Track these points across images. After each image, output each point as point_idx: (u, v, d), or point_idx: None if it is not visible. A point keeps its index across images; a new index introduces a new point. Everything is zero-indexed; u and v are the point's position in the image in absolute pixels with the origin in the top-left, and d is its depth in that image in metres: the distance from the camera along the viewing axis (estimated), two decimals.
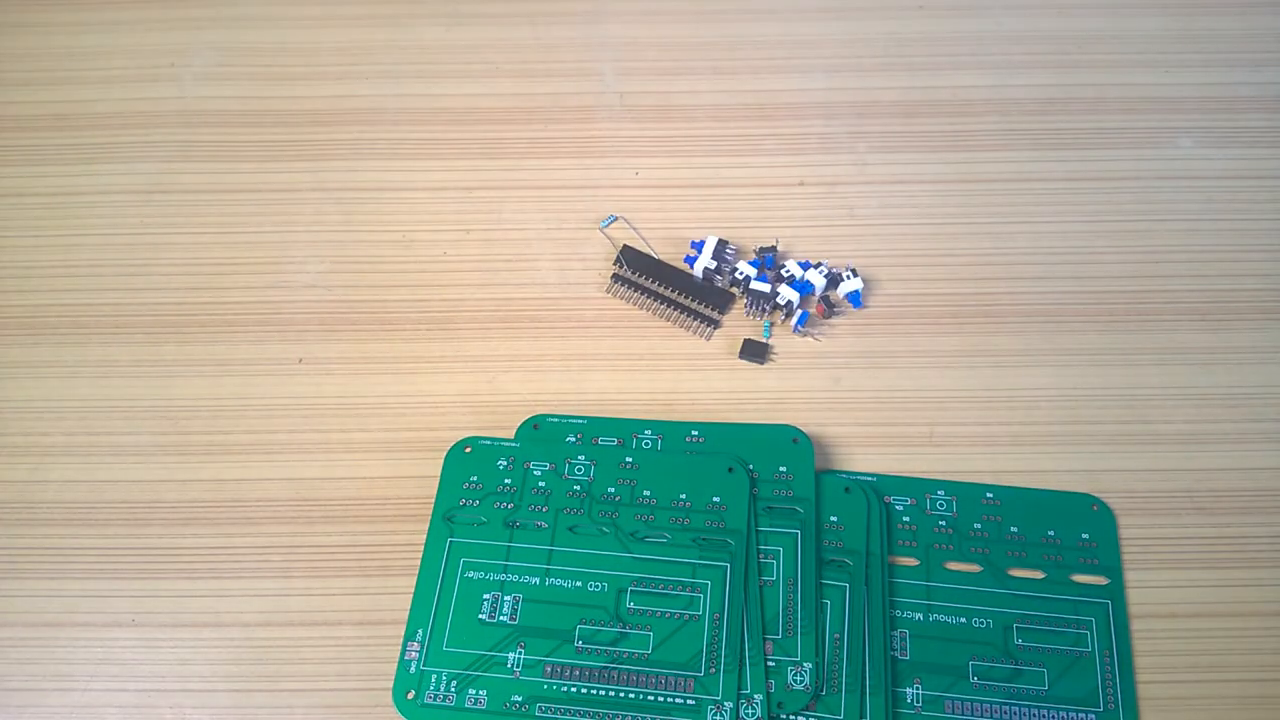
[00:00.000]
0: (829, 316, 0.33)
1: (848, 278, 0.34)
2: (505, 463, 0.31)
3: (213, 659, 0.30)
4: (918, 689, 0.28)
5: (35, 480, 0.32)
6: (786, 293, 0.34)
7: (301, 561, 0.31)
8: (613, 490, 0.31)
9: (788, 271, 0.34)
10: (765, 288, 0.34)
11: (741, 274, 0.34)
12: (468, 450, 0.32)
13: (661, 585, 0.29)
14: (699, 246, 0.35)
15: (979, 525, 0.31)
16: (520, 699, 0.28)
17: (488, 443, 0.32)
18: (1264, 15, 0.41)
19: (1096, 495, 0.31)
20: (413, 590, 0.30)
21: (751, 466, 0.31)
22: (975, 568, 0.30)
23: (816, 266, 0.35)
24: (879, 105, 0.39)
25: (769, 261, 0.35)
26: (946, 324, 0.34)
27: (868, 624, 0.29)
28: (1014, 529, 0.31)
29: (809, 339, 0.33)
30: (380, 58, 0.40)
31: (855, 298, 0.34)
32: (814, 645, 0.28)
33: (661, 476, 0.31)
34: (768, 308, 0.34)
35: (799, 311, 0.34)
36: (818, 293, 0.35)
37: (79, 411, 0.33)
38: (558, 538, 0.30)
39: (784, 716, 0.28)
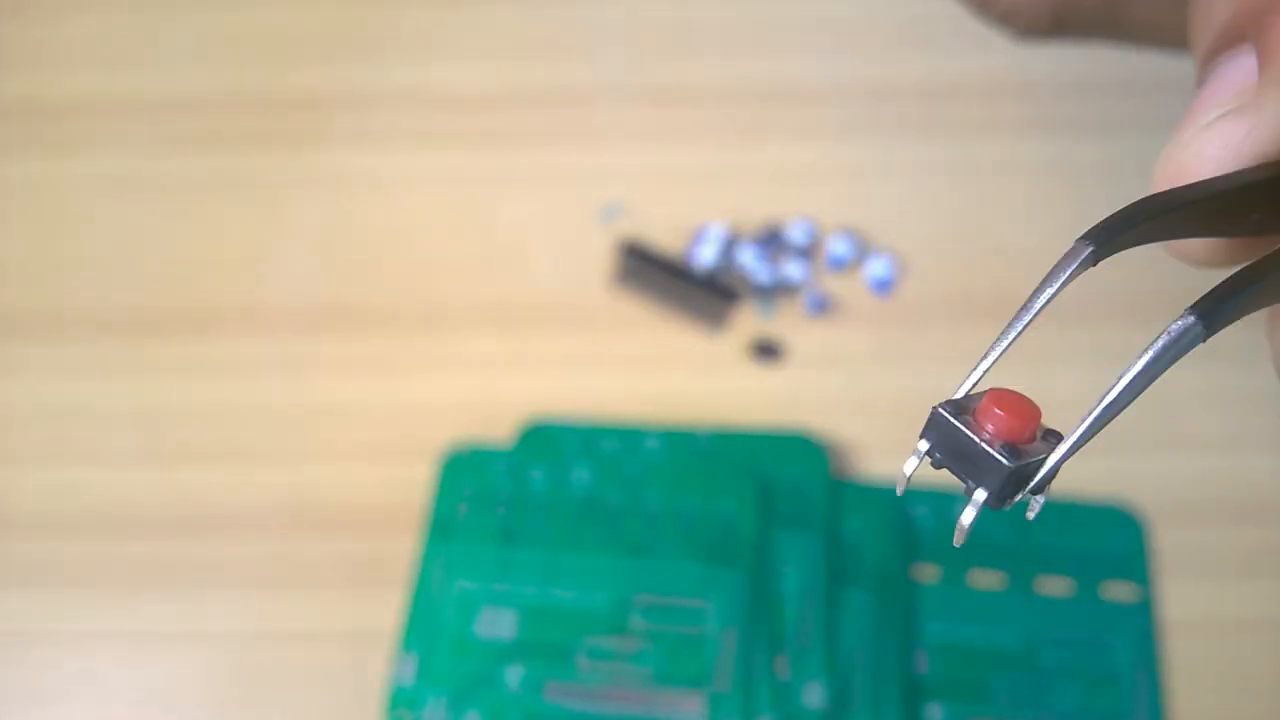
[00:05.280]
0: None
1: (877, 256, 0.33)
2: (502, 469, 0.31)
3: (192, 676, 0.29)
4: (938, 708, 0.28)
5: (4, 487, 0.32)
6: (792, 270, 0.33)
7: (285, 573, 0.30)
8: (616, 498, 0.30)
9: (795, 242, 0.34)
10: (768, 274, 0.34)
11: (746, 265, 0.34)
12: (462, 456, 0.31)
13: (668, 599, 0.29)
14: (705, 239, 0.34)
15: (1003, 535, 0.30)
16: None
17: (484, 449, 0.31)
18: None
19: (1128, 502, 0.30)
20: (404, 604, 0.29)
21: (763, 473, 0.30)
22: (999, 580, 0.29)
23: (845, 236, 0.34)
24: (899, 89, 0.37)
25: (775, 242, 0.34)
26: (969, 319, 0.33)
27: (886, 639, 0.28)
28: (1040, 539, 0.30)
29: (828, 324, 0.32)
30: (367, 40, 0.39)
31: (883, 285, 0.33)
32: (828, 662, 0.28)
33: (667, 484, 0.30)
34: (774, 295, 0.34)
35: (809, 292, 0.33)
36: (849, 266, 0.34)
37: (50, 415, 0.33)
38: (558, 549, 0.29)
39: None
